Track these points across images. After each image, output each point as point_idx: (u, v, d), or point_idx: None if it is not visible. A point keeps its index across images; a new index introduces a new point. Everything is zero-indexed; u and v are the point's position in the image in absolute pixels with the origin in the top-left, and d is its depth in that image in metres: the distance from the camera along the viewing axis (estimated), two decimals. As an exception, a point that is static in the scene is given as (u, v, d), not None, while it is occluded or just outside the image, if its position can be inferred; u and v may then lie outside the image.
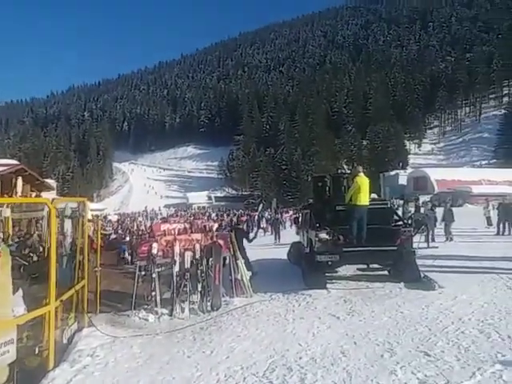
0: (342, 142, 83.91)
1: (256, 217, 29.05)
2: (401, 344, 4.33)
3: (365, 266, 8.46)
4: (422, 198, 33.50)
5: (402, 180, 52.94)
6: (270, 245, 18.33)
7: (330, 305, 6.31)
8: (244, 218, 24.40)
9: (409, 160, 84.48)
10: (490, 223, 16.87)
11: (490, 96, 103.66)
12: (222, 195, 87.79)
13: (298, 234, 11.02)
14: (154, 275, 6.95)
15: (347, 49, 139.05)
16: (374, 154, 78.24)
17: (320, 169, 60.46)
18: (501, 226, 15.02)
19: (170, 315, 6.65)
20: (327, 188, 8.90)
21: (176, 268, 6.99)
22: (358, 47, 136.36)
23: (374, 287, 7.17)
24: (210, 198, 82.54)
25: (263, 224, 25.56)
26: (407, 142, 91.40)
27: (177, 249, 7.11)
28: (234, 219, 23.62)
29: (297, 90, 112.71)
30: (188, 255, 7.10)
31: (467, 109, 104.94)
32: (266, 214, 32.14)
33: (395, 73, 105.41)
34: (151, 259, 7.04)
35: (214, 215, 40.22)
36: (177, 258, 7.03)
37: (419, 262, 7.83)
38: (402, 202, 25.31)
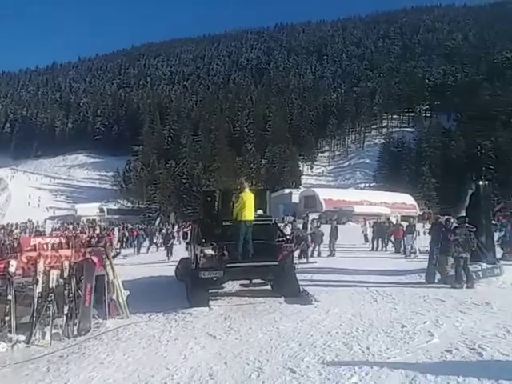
0: (243, 160, 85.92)
1: (150, 231, 27.87)
2: (270, 362, 4.29)
3: (250, 281, 8.47)
4: (312, 216, 35.55)
5: (295, 198, 55.98)
6: (162, 261, 17.59)
7: (209, 323, 6.11)
8: (135, 232, 23.16)
9: (302, 180, 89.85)
10: (366, 240, 18.48)
11: (373, 126, 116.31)
12: (116, 207, 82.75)
13: (186, 249, 10.68)
14: (9, 297, 6.02)
15: (250, 71, 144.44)
16: (271, 173, 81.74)
17: (221, 184, 60.84)
18: (375, 242, 16.53)
19: (27, 342, 5.80)
20: (216, 203, 8.79)
21: (38, 288, 6.16)
22: (260, 71, 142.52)
23: (256, 303, 7.18)
24: (101, 210, 77.09)
25: (156, 239, 24.51)
26: (301, 164, 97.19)
27: (40, 266, 6.28)
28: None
29: (200, 105, 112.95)
30: (54, 273, 6.32)
31: (353, 136, 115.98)
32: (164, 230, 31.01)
33: (293, 98, 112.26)
34: (7, 278, 6.10)
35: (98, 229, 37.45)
36: (40, 277, 6.20)
37: (299, 276, 8.09)
38: (292, 218, 26.52)
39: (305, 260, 12.04)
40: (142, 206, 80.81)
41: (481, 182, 9.42)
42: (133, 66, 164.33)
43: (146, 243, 23.75)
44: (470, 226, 8.11)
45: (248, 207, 7.46)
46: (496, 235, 11.58)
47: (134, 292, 7.39)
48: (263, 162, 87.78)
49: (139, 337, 5.70)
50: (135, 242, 23.58)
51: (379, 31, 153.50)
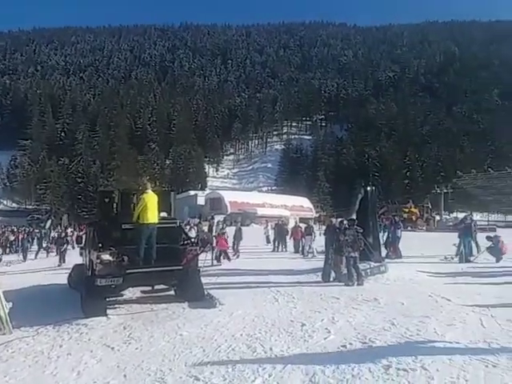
0: (145, 160, 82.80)
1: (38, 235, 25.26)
2: (173, 371, 4.14)
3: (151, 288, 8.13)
4: (217, 218, 35.66)
5: (201, 200, 55.73)
6: (53, 268, 16.01)
7: (106, 334, 5.70)
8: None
9: (207, 182, 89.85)
10: (268, 241, 19.10)
11: (274, 132, 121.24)
12: (-3, 208, 73.60)
13: (81, 255, 9.85)
14: None
15: (153, 68, 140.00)
16: (176, 174, 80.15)
17: (120, 184, 57.73)
18: (276, 243, 17.17)
19: None
20: (115, 204, 8.24)
21: None
22: (164, 68, 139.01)
23: (158, 309, 6.91)
24: (-21, 211, 67.97)
25: (46, 243, 22.30)
26: (207, 166, 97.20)
27: None
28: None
29: (99, 99, 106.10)
30: None
31: (256, 141, 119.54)
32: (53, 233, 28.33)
33: (198, 100, 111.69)
34: None
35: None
36: None
37: (204, 280, 8.01)
38: (197, 221, 26.26)
39: (210, 263, 11.96)
40: (30, 206, 73.10)
41: (369, 188, 10.33)
42: (20, 51, 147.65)
43: (35, 248, 21.48)
44: (358, 227, 8.84)
45: (150, 209, 7.15)
46: (381, 236, 12.83)
47: (20, 303, 6.59)
48: (167, 162, 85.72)
49: (24, 354, 5.08)
50: (21, 248, 21.17)
51: (281, 41, 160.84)
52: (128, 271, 6.79)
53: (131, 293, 8.11)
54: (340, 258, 8.68)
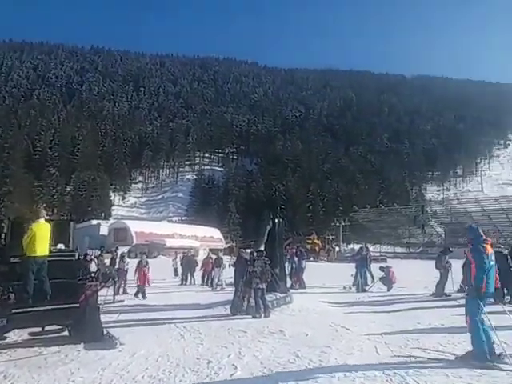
0: (43, 185, 75.92)
1: None
2: (62, 424, 3.70)
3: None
4: (122, 250, 33.72)
5: (104, 230, 52.30)
6: None
7: (-19, 387, 4.91)
8: None
9: (112, 211, 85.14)
10: (176, 274, 18.52)
11: (186, 162, 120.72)
12: None
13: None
14: None
15: (59, 89, 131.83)
16: (78, 202, 74.68)
17: (13, 212, 51.85)
18: (184, 275, 16.74)
19: None
20: (3, 235, 7.36)
21: None
22: (71, 90, 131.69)
23: (49, 353, 6.17)
24: None
25: None
26: (112, 194, 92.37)
27: None
28: None
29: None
30: None
31: (168, 170, 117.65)
32: None
33: (106, 125, 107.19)
34: None
35: None
36: None
37: (104, 318, 7.42)
38: (98, 253, 24.49)
39: (112, 299, 11.12)
40: None
41: (276, 220, 10.71)
42: None
43: None
44: (266, 258, 9.05)
45: (40, 240, 6.47)
46: (286, 267, 13.26)
47: None
48: (68, 188, 79.56)
49: None
50: None
51: (195, 74, 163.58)
52: (14, 311, 6.02)
53: (16, 335, 7.17)
54: (249, 289, 8.74)
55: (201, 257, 19.95)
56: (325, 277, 17.72)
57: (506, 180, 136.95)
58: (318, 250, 45.82)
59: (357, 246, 20.06)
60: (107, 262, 16.30)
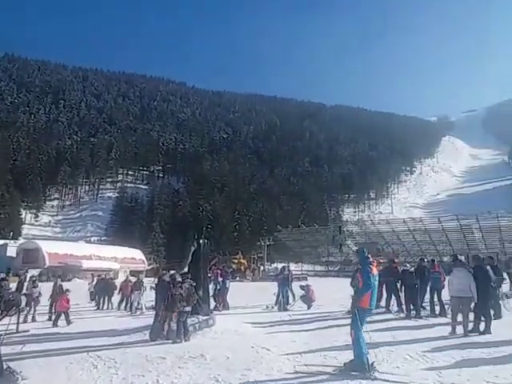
0: None
1: None
2: None
3: None
4: (32, 272, 30.84)
5: (11, 251, 47.43)
6: None
7: None
8: None
9: (23, 230, 77.97)
10: (92, 298, 17.36)
11: (108, 179, 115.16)
12: None
13: None
14: None
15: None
16: (-21, 220, 67.23)
17: None
18: (101, 300, 15.76)
19: None
20: None
21: None
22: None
23: None
24: None
25: None
26: (23, 211, 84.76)
27: None
28: None
29: None
30: None
31: (87, 187, 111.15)
32: None
33: (20, 137, 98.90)
34: None
35: None
36: None
37: (5, 350, 6.70)
38: (3, 276, 22.10)
39: (15, 329, 10.06)
40: None
41: (201, 240, 10.62)
42: None
43: None
44: (191, 280, 8.91)
45: None
46: (211, 288, 13.13)
47: None
48: (-32, 206, 71.40)
49: None
50: None
51: (120, 89, 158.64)
52: None
53: None
54: (170, 313, 8.50)
55: (120, 279, 18.95)
56: (249, 296, 17.82)
57: (413, 203, 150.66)
58: (243, 269, 46.03)
59: (280, 265, 20.59)
60: (13, 286, 14.82)
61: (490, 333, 7.59)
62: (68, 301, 12.15)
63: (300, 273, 43.30)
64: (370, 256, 5.68)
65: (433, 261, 12.24)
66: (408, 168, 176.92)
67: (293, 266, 52.73)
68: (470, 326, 7.81)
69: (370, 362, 5.27)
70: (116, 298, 15.94)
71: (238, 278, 41.17)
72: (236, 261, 48.57)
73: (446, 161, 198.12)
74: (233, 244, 73.02)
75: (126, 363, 6.44)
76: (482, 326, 7.80)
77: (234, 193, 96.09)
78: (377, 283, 5.59)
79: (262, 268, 50.99)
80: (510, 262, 15.89)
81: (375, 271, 5.53)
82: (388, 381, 4.97)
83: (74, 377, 5.81)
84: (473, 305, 7.76)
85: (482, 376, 5.05)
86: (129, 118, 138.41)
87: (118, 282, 17.71)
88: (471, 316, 7.90)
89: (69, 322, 11.44)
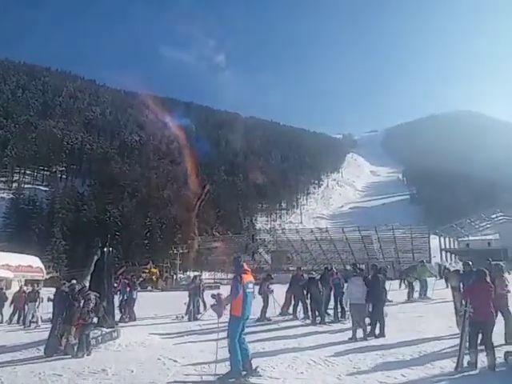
0: None
1: None
2: None
3: None
4: None
5: None
6: None
7: None
8: None
9: None
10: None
11: (1, 178, 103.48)
12: None
13: None
14: None
15: None
16: None
17: None
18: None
19: None
20: None
21: None
22: None
23: None
24: None
25: None
26: None
27: None
28: None
29: None
30: None
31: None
32: None
33: None
34: None
35: None
36: None
37: None
38: None
39: None
40: None
41: (105, 249, 10.04)
42: None
43: None
44: (94, 291, 8.37)
45: None
46: (117, 298, 12.46)
47: None
48: None
49: None
50: None
51: (19, 80, 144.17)
52: None
53: None
54: (69, 327, 7.88)
55: (14, 289, 17.08)
56: (159, 307, 17.24)
57: (320, 214, 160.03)
58: (155, 278, 44.56)
59: (193, 274, 20.26)
60: None
61: (384, 336, 8.29)
62: None
63: (213, 281, 43.17)
64: (244, 265, 5.82)
65: (329, 269, 12.95)
66: (316, 181, 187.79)
67: (206, 275, 52.44)
68: (367, 330, 8.46)
69: (253, 367, 5.51)
70: (7, 310, 14.34)
71: (149, 288, 39.79)
72: (147, 271, 46.95)
73: (350, 176, 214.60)
74: (143, 252, 70.31)
75: (16, 383, 5.80)
76: (377, 330, 8.49)
77: (146, 198, 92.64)
78: (251, 291, 5.73)
79: (174, 277, 49.83)
80: (410, 271, 17.49)
81: (246, 279, 5.62)
82: None
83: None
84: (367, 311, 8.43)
85: (376, 377, 5.48)
86: (29, 113, 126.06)
87: (11, 292, 15.99)
88: (367, 321, 8.57)
89: None
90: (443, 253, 55.92)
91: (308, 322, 11.10)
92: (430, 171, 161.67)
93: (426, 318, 10.82)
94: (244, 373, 5.42)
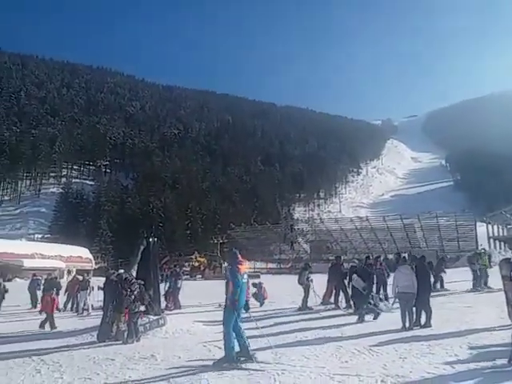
0: None
1: None
2: None
3: None
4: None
5: None
6: None
7: None
8: None
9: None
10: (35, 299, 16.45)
11: (51, 174, 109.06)
12: None
13: None
14: None
15: None
16: None
17: None
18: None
19: None
20: None
21: None
22: None
23: None
24: None
25: None
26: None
27: None
28: None
29: None
30: None
31: (28, 181, 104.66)
32: None
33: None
34: None
35: None
36: None
37: None
38: None
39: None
40: None
41: (151, 239, 10.39)
42: None
43: None
44: (140, 280, 8.71)
45: None
46: (162, 287, 12.90)
47: None
48: None
49: None
50: None
51: (64, 79, 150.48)
52: None
53: None
54: (119, 314, 8.26)
55: (66, 279, 18.08)
56: (203, 295, 17.70)
57: (359, 202, 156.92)
58: (202, 268, 45.52)
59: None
60: None
61: (431, 326, 8.09)
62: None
63: (253, 270, 43.60)
64: (239, 256, 6.07)
65: (376, 258, 12.81)
66: (355, 169, 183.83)
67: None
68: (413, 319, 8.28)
69: (250, 354, 5.76)
70: (62, 298, 15.22)
71: (199, 277, 41.02)
72: (193, 260, 48.20)
73: (390, 163, 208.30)
74: (185, 242, 72.02)
75: (72, 366, 6.19)
76: (422, 320, 8.29)
77: (186, 190, 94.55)
78: (245, 281, 6.01)
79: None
80: (473, 259, 16.28)
81: (242, 270, 5.91)
82: (248, 369, 5.44)
83: (15, 382, 5.48)
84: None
85: (423, 367, 5.37)
86: (73, 110, 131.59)
87: (63, 281, 16.92)
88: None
89: (53, 326, 10.49)
90: (491, 241, 53.36)
91: (350, 311, 11.01)
92: (475, 156, 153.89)
93: (474, 308, 10.44)
94: (242, 359, 5.70)
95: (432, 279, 11.47)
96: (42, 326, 10.47)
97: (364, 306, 9.75)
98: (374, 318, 9.45)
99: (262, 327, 9.14)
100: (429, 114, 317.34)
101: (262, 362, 5.72)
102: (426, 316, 8.26)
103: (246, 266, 6.14)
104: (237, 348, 5.76)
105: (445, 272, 15.76)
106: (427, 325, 8.14)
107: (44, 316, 10.81)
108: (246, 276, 6.02)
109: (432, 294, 9.52)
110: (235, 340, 5.75)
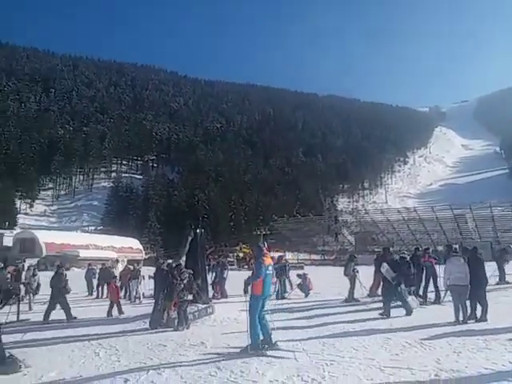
0: None
1: None
2: None
3: None
4: (29, 262, 30.81)
5: (8, 241, 47.33)
6: None
7: None
8: None
9: (18, 220, 77.52)
10: (91, 287, 17.42)
11: (102, 169, 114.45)
12: None
13: None
14: None
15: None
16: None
17: None
18: (100, 289, 15.83)
19: None
20: None
21: None
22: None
23: None
24: None
25: None
26: (18, 201, 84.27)
27: None
28: None
29: None
30: None
31: (81, 177, 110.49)
32: None
33: (11, 126, 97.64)
34: None
35: None
36: None
37: (6, 338, 6.71)
38: (1, 265, 22.03)
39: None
40: None
41: (198, 230, 10.63)
42: None
43: None
44: (189, 269, 8.97)
45: None
46: (209, 277, 13.21)
47: None
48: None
49: None
50: None
51: (111, 78, 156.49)
52: None
53: None
54: (169, 302, 8.56)
55: (120, 268, 18.93)
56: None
57: (406, 193, 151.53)
58: (248, 259, 46.16)
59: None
60: (9, 276, 14.80)
61: (486, 320, 7.73)
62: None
63: (296, 262, 43.56)
64: (264, 249, 6.38)
65: (425, 250, 12.35)
66: (401, 158, 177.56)
67: (289, 255, 53.14)
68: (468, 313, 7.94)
69: (273, 342, 6.02)
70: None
71: (246, 267, 41.49)
72: (239, 250, 48.97)
73: (439, 151, 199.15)
74: (229, 234, 73.21)
75: (128, 351, 6.50)
76: (478, 313, 7.93)
77: (229, 183, 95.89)
78: (270, 272, 6.21)
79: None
80: (504, 254, 15.52)
81: (267, 262, 6.13)
82: (273, 356, 5.63)
83: (77, 364, 5.85)
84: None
85: (480, 363, 5.14)
86: (121, 108, 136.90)
87: (117, 271, 17.72)
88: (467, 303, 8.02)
89: (121, 312, 11.12)
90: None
91: (399, 303, 10.73)
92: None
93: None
94: (266, 346, 5.94)
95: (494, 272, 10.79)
96: (109, 314, 10.92)
97: (391, 298, 9.40)
98: (406, 314, 9.07)
99: (308, 317, 9.18)
100: (480, 98, 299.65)
101: (287, 351, 5.91)
102: (481, 310, 7.89)
103: (270, 259, 6.39)
104: (261, 336, 6.02)
105: (507, 262, 14.79)
106: (483, 319, 7.78)
107: (108, 304, 11.30)
108: (270, 268, 6.24)
109: (489, 287, 9.06)
110: (259, 328, 6.01)
